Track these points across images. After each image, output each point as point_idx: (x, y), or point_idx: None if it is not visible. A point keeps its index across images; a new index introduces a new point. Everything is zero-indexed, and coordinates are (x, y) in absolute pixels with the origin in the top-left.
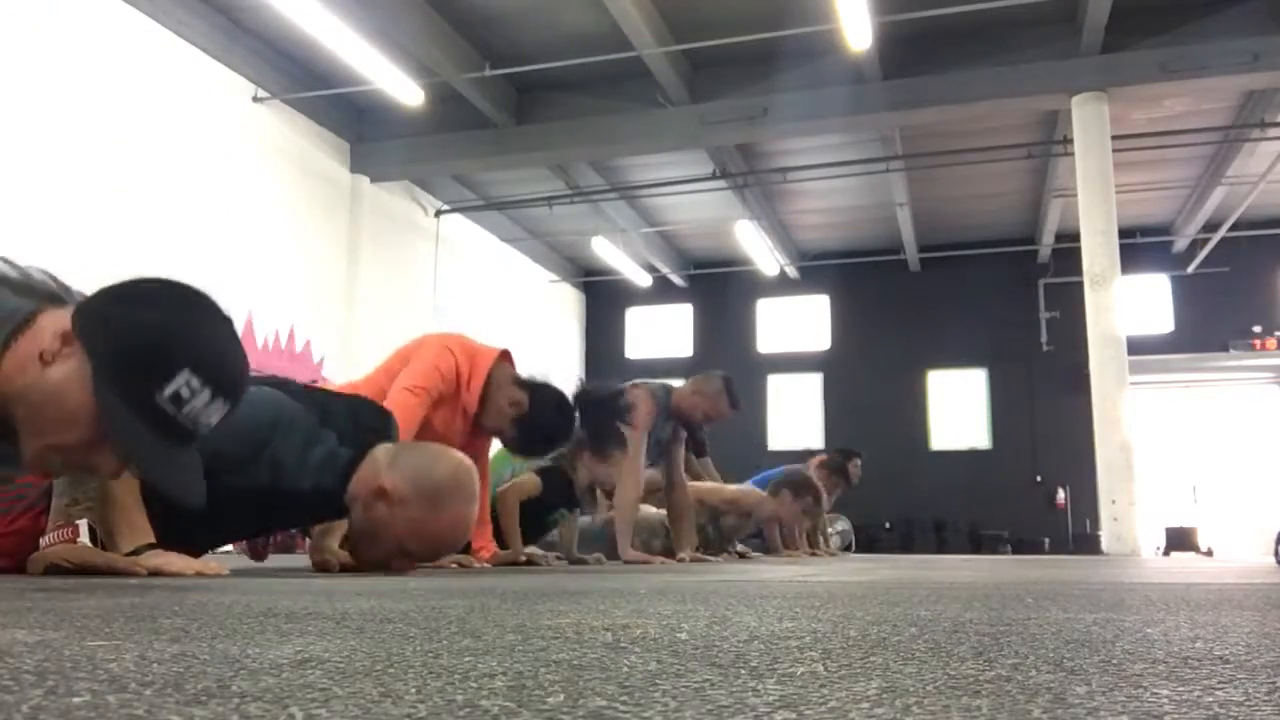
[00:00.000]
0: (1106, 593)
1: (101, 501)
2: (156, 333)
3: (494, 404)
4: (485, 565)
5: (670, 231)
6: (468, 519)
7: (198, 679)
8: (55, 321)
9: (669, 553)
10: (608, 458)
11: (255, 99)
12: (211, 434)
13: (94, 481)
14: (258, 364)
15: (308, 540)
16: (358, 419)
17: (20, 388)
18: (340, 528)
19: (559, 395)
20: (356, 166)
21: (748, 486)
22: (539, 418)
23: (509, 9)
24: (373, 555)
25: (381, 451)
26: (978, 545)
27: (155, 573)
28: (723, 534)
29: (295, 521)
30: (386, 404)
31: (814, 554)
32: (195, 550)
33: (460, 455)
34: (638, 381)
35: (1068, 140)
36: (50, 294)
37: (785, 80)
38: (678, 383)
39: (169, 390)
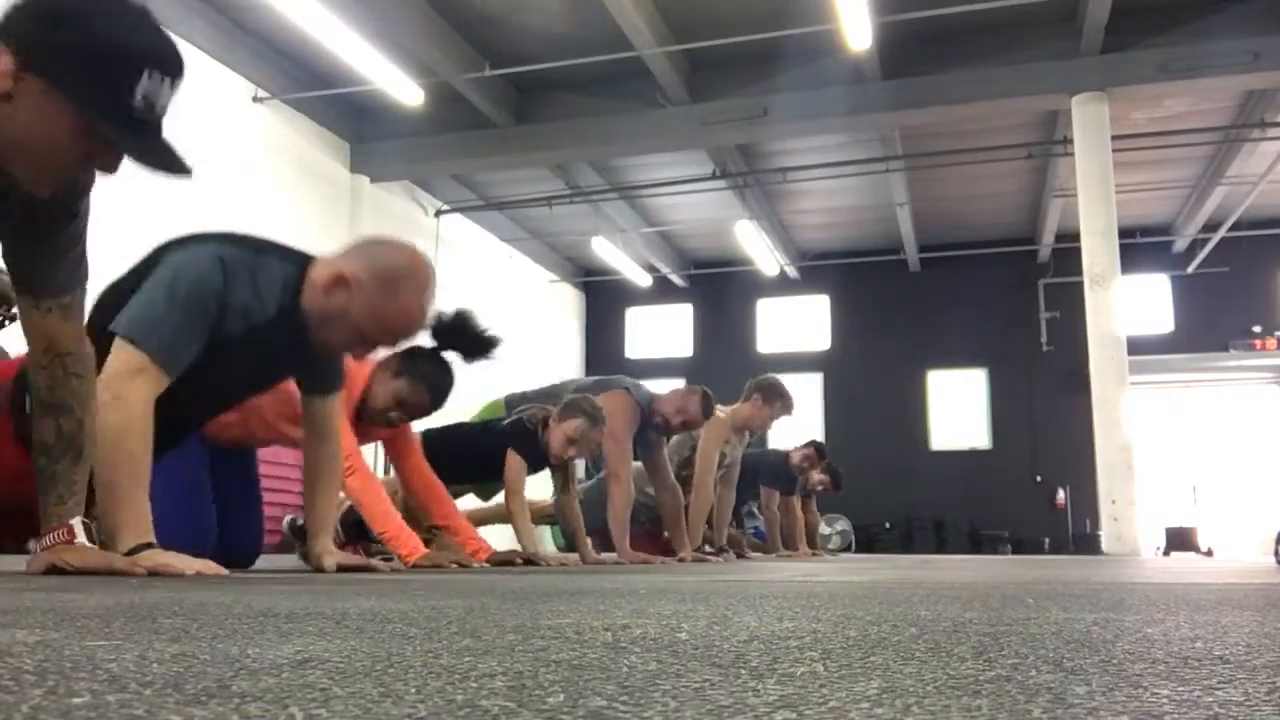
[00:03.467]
0: (1106, 593)
1: (105, 491)
2: (110, 47)
3: (375, 404)
4: (485, 565)
5: (670, 231)
6: (423, 305)
7: (198, 679)
8: None
9: (668, 551)
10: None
11: (255, 99)
12: (181, 323)
13: (77, 475)
14: None
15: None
16: (282, 246)
17: None
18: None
19: (434, 369)
20: (356, 166)
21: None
22: (421, 398)
23: (509, 9)
24: (330, 343)
25: (328, 254)
26: (978, 545)
27: (154, 572)
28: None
29: (285, 361)
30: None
31: (814, 554)
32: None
33: (415, 247)
34: (625, 383)
35: (1068, 140)
36: None
37: (785, 80)
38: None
39: (139, 94)
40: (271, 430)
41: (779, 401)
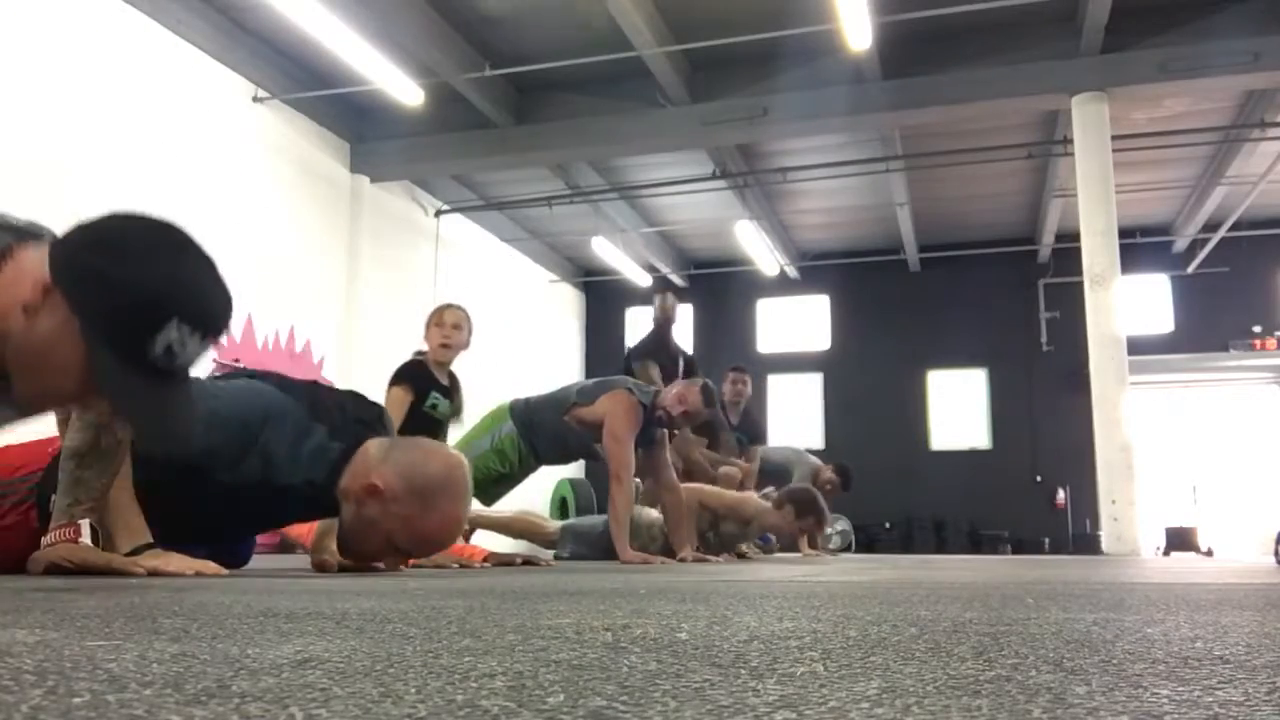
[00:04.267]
0: (1106, 593)
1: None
2: (142, 287)
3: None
4: (486, 565)
5: (670, 231)
6: (459, 518)
7: (198, 679)
8: (33, 267)
9: (668, 553)
10: None
11: (255, 99)
12: (205, 430)
13: (96, 482)
14: (257, 364)
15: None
16: (348, 412)
17: (6, 337)
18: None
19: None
20: (356, 166)
21: (749, 494)
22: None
23: (509, 9)
24: (362, 551)
25: (374, 446)
26: (978, 545)
27: (154, 573)
28: (722, 540)
29: (287, 518)
30: None
31: (815, 554)
32: (192, 553)
33: (454, 453)
34: (628, 384)
35: (1068, 140)
36: (18, 229)
37: (785, 80)
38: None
39: (160, 343)
40: None
41: (811, 518)
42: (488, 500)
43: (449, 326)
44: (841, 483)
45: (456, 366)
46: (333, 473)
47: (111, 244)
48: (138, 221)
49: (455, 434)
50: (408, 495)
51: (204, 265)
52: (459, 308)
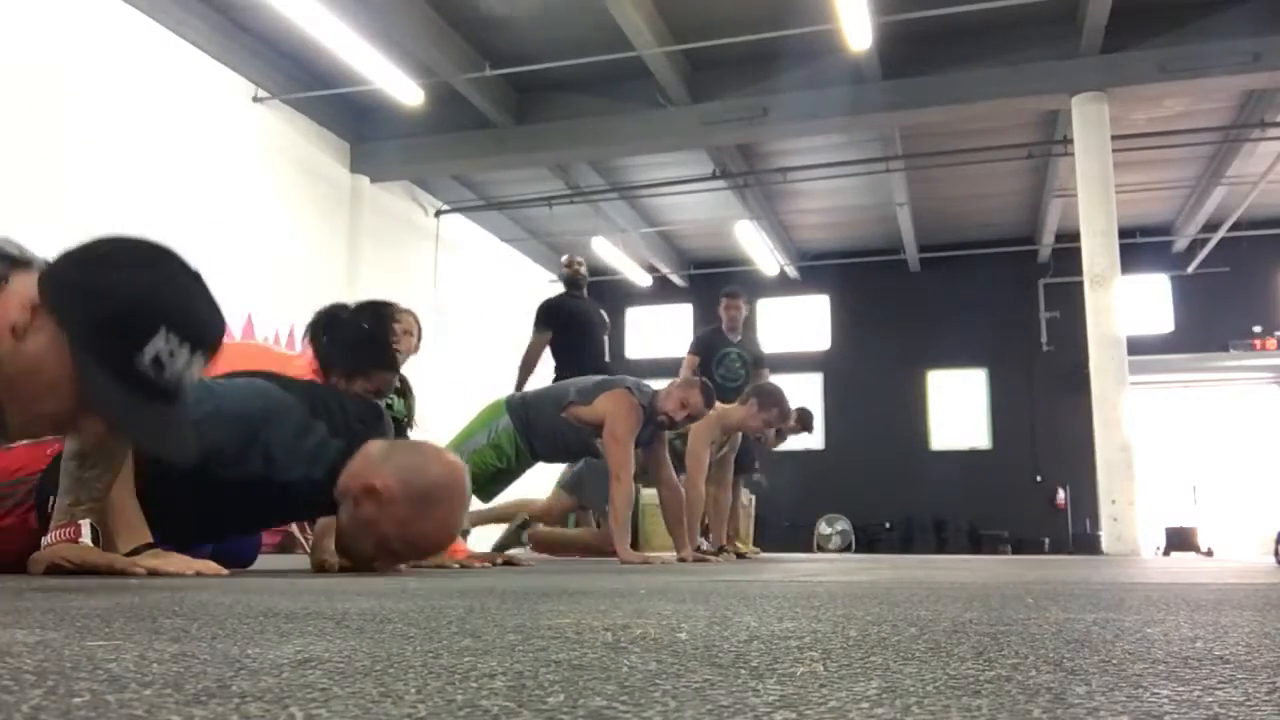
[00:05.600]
0: (1106, 593)
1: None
2: (128, 297)
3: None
4: (473, 565)
5: (670, 231)
6: (454, 524)
7: (198, 679)
8: (22, 290)
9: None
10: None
11: (255, 99)
12: (207, 427)
13: (98, 482)
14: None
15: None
16: (348, 411)
17: None
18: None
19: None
20: (356, 166)
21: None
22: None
23: (509, 9)
24: (355, 552)
25: (375, 446)
26: (978, 545)
27: (154, 573)
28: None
29: (288, 515)
30: None
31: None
32: (195, 553)
33: (454, 459)
34: (627, 383)
35: (1068, 140)
36: (10, 257)
37: (785, 80)
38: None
39: (148, 353)
40: None
41: (775, 409)
42: (485, 497)
43: (400, 332)
44: (801, 425)
45: (457, 366)
46: (332, 471)
47: (97, 260)
48: (124, 241)
49: (416, 435)
50: (405, 499)
51: (190, 278)
52: (409, 312)
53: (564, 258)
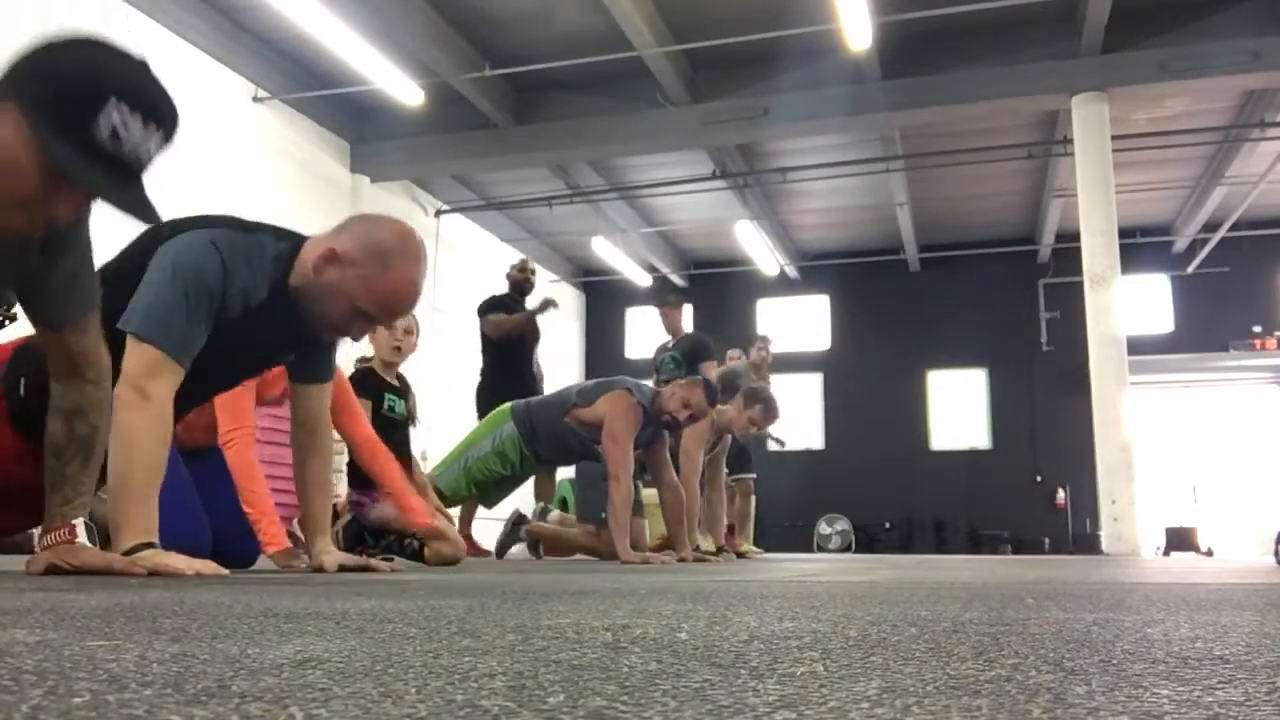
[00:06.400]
0: (1106, 593)
1: (119, 488)
2: (74, 71)
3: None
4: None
5: (670, 231)
6: (416, 278)
7: (198, 679)
8: None
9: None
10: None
11: (255, 99)
12: (191, 315)
13: (85, 477)
14: None
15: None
16: (275, 226)
17: None
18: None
19: None
20: (356, 166)
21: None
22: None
23: (509, 9)
24: (330, 321)
25: (319, 233)
26: (978, 545)
27: (154, 572)
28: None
29: (280, 343)
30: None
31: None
32: (195, 552)
33: (401, 220)
34: (627, 384)
35: (1068, 140)
36: None
37: (785, 80)
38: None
39: (103, 124)
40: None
41: (759, 405)
42: (490, 503)
43: (401, 331)
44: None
45: (456, 366)
46: (287, 273)
47: (45, 47)
48: (70, 34)
49: (415, 435)
50: (365, 257)
51: (136, 61)
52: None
53: (518, 260)
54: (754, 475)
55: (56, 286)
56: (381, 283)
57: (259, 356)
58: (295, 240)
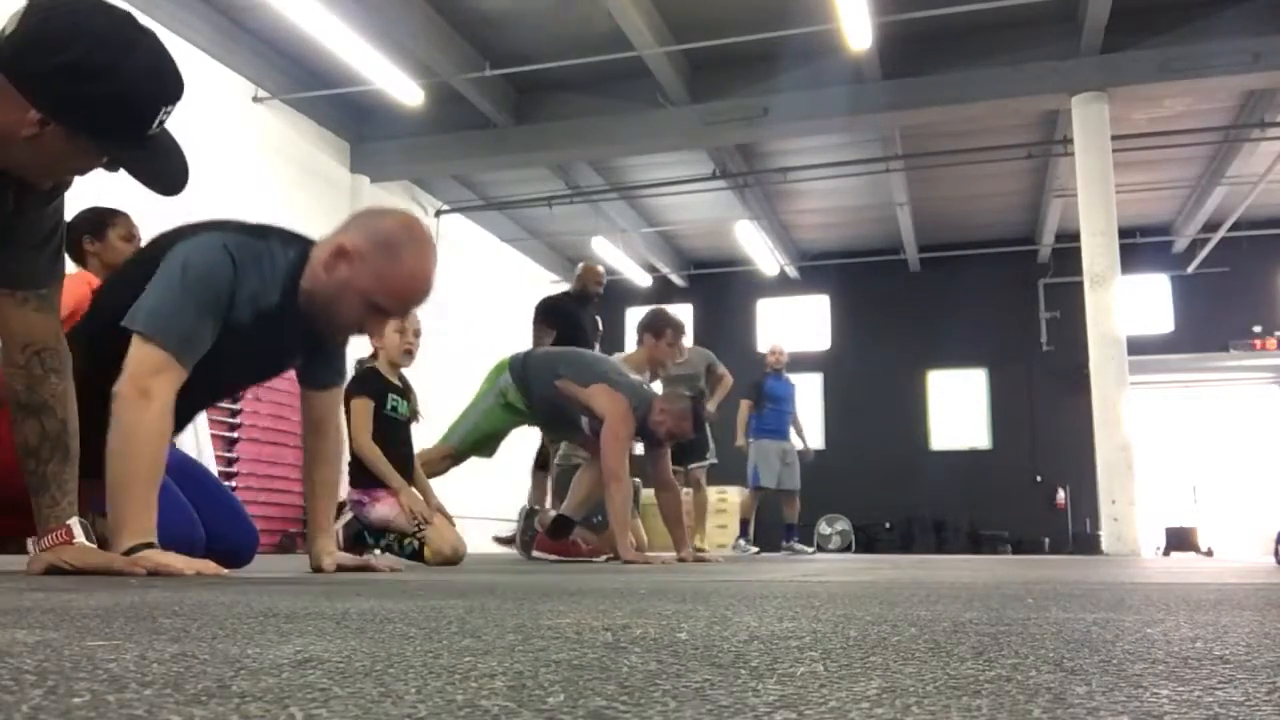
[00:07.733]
0: (1106, 593)
1: (118, 488)
2: (131, 98)
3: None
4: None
5: (670, 231)
6: (428, 268)
7: (198, 679)
8: (13, 104)
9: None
10: None
11: (255, 99)
12: (199, 320)
13: (67, 474)
14: None
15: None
16: (284, 230)
17: (16, 151)
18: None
19: None
20: (356, 166)
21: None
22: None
23: (509, 9)
24: (346, 319)
25: (326, 236)
26: (978, 545)
27: (154, 572)
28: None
29: (290, 348)
30: None
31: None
32: (194, 552)
33: (408, 211)
34: (619, 383)
35: (1068, 140)
36: None
37: (785, 80)
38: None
39: (157, 125)
40: None
41: (668, 329)
42: (488, 453)
43: (411, 334)
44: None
45: (456, 365)
46: (297, 278)
47: (87, 69)
48: (85, 20)
49: (418, 433)
50: (373, 250)
51: (151, 40)
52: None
53: (595, 266)
54: (706, 463)
55: (26, 242)
56: (393, 273)
57: (270, 363)
58: (304, 245)
